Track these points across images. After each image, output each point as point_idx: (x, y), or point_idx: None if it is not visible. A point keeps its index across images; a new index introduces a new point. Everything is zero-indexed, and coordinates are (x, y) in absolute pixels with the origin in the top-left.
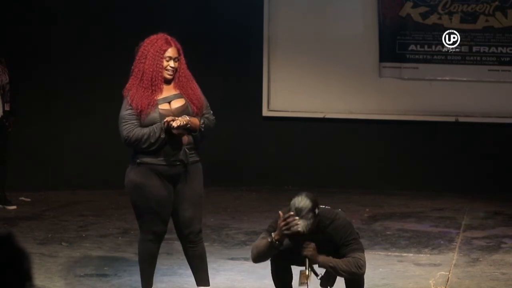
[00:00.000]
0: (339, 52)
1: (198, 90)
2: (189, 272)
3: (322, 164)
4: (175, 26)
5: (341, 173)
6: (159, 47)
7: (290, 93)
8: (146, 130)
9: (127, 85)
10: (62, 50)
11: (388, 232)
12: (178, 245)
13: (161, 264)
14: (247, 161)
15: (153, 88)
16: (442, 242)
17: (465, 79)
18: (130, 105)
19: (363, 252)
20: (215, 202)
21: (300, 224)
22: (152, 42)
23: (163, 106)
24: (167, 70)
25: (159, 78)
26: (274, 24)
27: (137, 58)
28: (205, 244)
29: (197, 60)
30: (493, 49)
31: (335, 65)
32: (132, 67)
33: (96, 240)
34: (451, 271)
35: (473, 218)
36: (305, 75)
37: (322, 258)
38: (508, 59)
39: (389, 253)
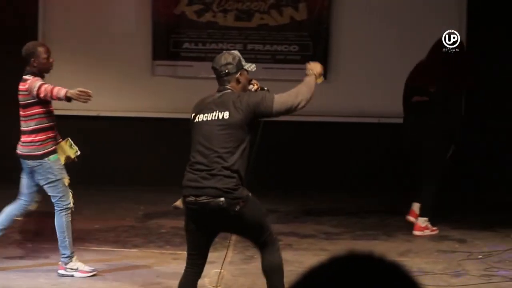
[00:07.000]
0: (113, 50)
1: None
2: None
3: (95, 162)
4: None
5: (114, 170)
6: None
7: None
8: None
9: None
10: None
11: (163, 230)
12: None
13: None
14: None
15: None
16: (216, 239)
17: None
18: None
19: None
20: None
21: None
22: None
23: None
24: None
25: None
26: (48, 22)
27: None
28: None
29: None
30: (267, 47)
31: (109, 64)
32: None
33: None
34: (225, 269)
35: None
36: (80, 73)
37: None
38: (282, 57)
39: (164, 251)
